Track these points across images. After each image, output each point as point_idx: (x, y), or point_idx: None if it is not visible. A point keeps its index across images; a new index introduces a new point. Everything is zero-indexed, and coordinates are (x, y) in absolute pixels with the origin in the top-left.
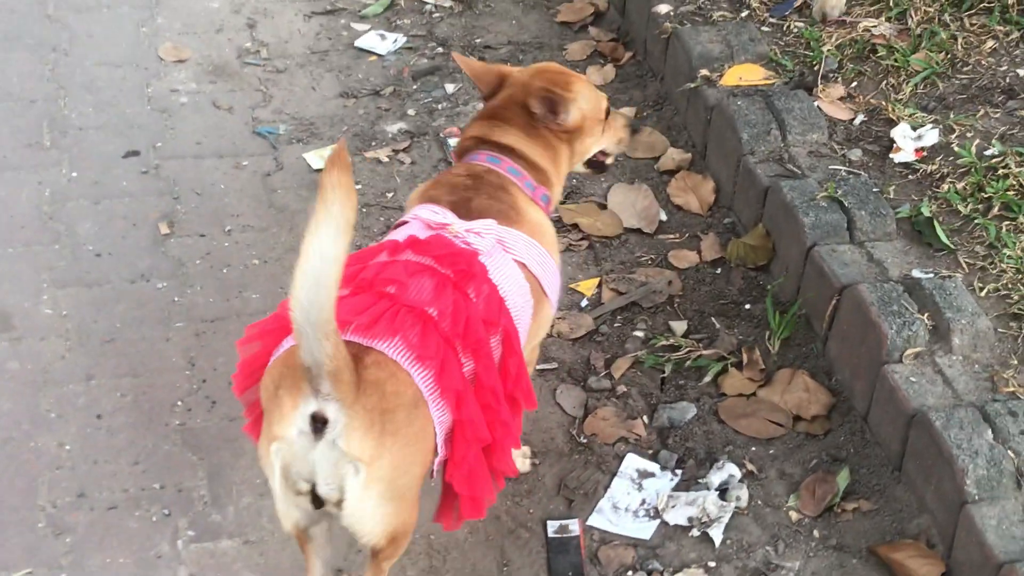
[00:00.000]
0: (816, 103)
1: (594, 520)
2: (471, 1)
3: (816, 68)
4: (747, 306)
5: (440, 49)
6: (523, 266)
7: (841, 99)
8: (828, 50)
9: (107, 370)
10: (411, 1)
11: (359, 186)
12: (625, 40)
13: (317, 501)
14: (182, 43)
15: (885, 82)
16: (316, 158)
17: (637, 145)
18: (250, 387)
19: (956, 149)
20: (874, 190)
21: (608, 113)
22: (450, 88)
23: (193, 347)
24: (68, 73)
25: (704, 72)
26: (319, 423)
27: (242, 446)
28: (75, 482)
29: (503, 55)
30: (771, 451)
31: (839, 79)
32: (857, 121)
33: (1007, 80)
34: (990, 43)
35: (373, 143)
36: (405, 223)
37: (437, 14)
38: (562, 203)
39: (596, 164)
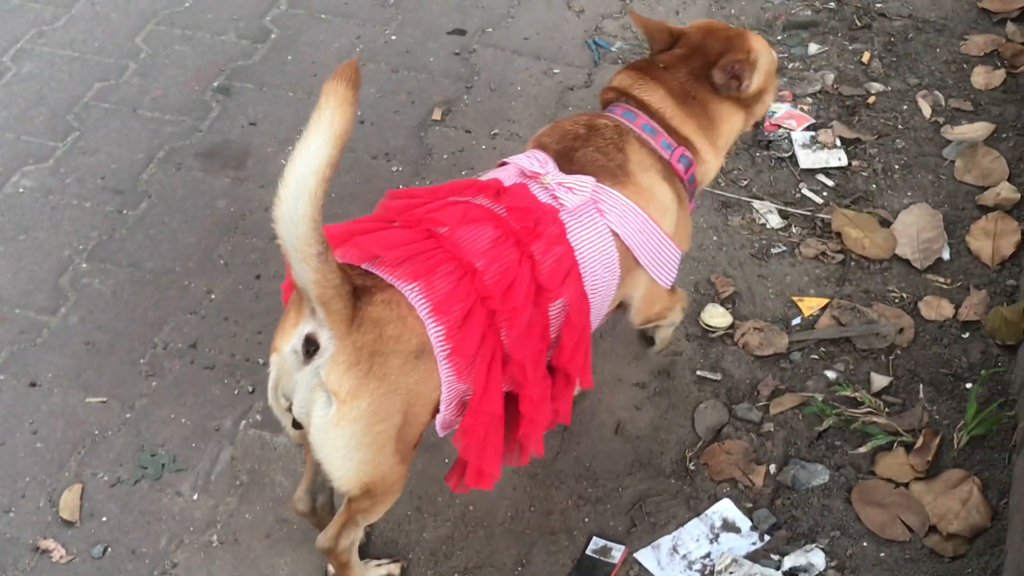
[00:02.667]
0: None
1: (642, 556)
2: None
3: None
4: (967, 384)
5: (832, 4)
6: (615, 235)
7: None
8: None
9: None
10: None
11: None
12: None
13: (296, 423)
14: None
15: None
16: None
17: (971, 167)
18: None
19: None
20: None
21: None
22: (813, 48)
23: None
24: None
25: None
26: (312, 346)
27: None
28: (196, 331)
29: (894, 28)
30: (881, 554)
31: None
32: None
33: None
34: None
35: None
36: (504, 164)
37: None
38: (846, 206)
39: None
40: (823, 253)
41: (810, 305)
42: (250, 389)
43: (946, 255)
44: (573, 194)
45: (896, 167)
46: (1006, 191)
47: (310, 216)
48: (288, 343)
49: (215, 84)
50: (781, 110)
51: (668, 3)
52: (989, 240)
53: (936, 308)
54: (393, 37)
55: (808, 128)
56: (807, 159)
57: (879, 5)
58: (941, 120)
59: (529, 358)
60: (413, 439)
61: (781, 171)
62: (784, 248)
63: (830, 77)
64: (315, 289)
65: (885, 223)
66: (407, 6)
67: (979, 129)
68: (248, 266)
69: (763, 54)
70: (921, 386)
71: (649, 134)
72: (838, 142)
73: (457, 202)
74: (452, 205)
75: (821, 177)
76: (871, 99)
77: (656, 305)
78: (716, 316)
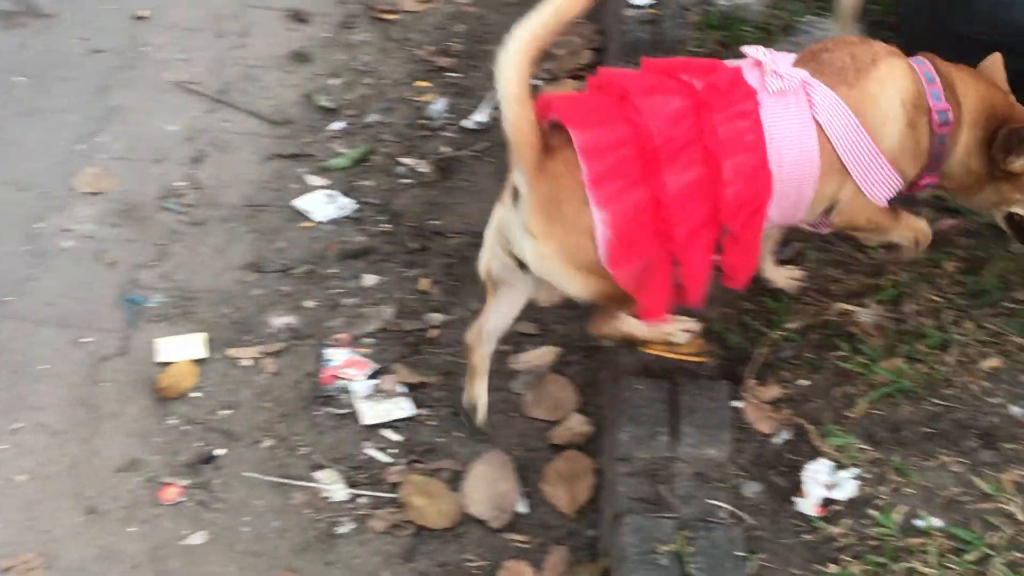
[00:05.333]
0: (739, 403)
1: None
2: (449, 171)
3: (758, 353)
4: None
5: (387, 226)
6: (820, 128)
7: (775, 402)
8: (789, 330)
9: None
10: (386, 159)
11: (199, 393)
12: None
13: (523, 265)
14: (111, 170)
15: (840, 389)
16: (169, 348)
17: (541, 400)
18: None
19: (874, 513)
20: (736, 553)
21: None
22: (370, 280)
23: None
24: None
25: None
26: (517, 194)
27: None
28: None
29: (451, 247)
30: None
31: (785, 372)
32: (779, 439)
33: (992, 419)
34: (994, 360)
35: (246, 337)
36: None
37: (407, 180)
38: (415, 463)
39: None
40: (394, 525)
41: None
42: None
43: (523, 508)
44: (780, 80)
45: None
46: (577, 425)
47: (516, 62)
48: (508, 193)
49: None
50: (340, 357)
51: (213, 240)
52: (565, 485)
53: (516, 574)
54: None
55: (371, 376)
56: (370, 413)
57: (435, 222)
58: (507, 349)
59: (666, 212)
60: None
61: (344, 430)
62: (352, 525)
63: (389, 311)
64: (511, 132)
65: (457, 479)
66: None
67: (545, 355)
68: None
69: None
70: None
71: (927, 79)
72: (403, 388)
73: (662, 76)
74: (653, 76)
75: (387, 432)
76: (433, 333)
77: (861, 216)
78: None
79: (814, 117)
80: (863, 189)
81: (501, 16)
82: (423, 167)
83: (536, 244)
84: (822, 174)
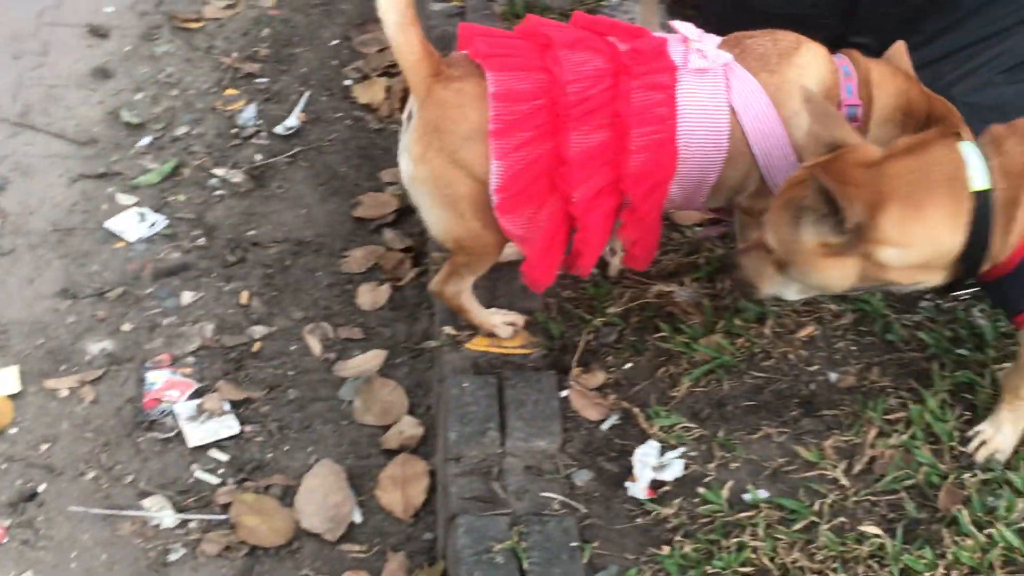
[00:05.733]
0: (566, 392)
1: None
2: (263, 179)
3: (584, 339)
4: None
5: (203, 241)
6: (733, 112)
7: (601, 388)
8: (610, 315)
9: None
10: (197, 172)
11: (16, 428)
12: (421, 251)
13: None
14: None
15: (663, 370)
16: None
17: (370, 405)
18: None
19: (702, 491)
20: (572, 544)
21: None
22: (187, 298)
23: None
24: None
25: (449, 330)
26: (410, 115)
27: None
28: None
29: (270, 257)
30: None
31: (609, 358)
32: (607, 424)
33: (811, 387)
34: (810, 328)
35: (63, 366)
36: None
37: (220, 191)
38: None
39: None
40: (228, 547)
41: None
42: None
43: (357, 517)
44: (703, 59)
45: (293, 423)
46: (408, 427)
47: None
48: (404, 112)
49: None
50: (160, 380)
51: (22, 269)
52: (399, 490)
53: None
54: None
55: (193, 395)
56: (196, 434)
57: (251, 233)
58: (333, 356)
59: (586, 169)
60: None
61: (170, 454)
62: (184, 551)
63: (210, 328)
64: (399, 57)
65: (289, 494)
66: None
67: (372, 359)
68: None
69: None
70: None
71: (844, 73)
72: (227, 406)
73: (588, 33)
74: (580, 31)
75: (215, 452)
76: (256, 346)
77: (762, 203)
78: None
79: (730, 101)
80: (767, 179)
81: (307, 17)
82: (236, 177)
83: (411, 166)
84: (729, 159)
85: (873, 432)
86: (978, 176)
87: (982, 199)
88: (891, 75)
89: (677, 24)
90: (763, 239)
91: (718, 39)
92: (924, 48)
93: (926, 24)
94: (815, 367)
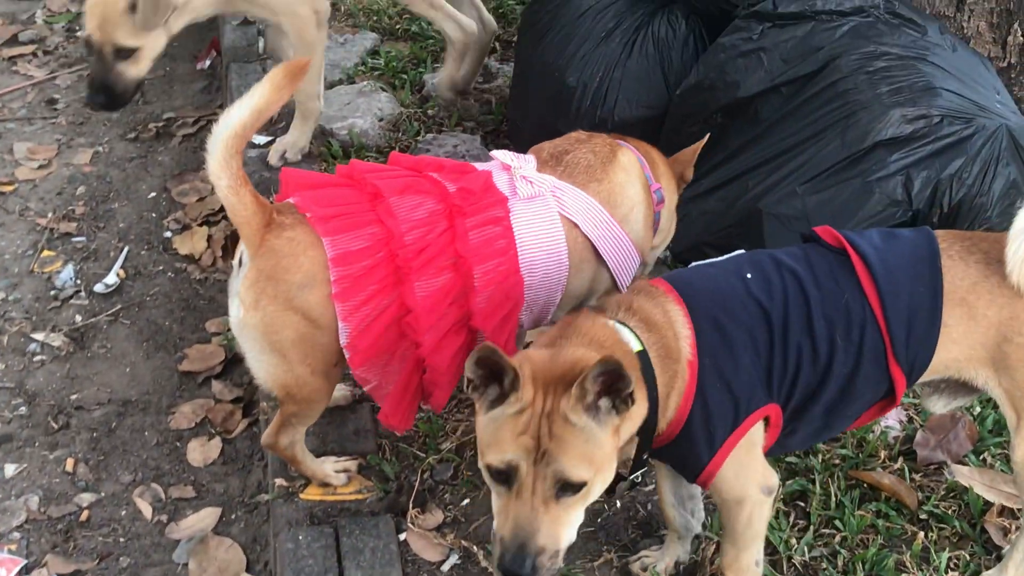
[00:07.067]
0: (404, 535)
1: None
2: (84, 340)
3: (419, 478)
4: None
5: (24, 409)
6: (575, 225)
7: (439, 528)
8: (445, 452)
9: None
10: (16, 338)
11: None
12: (251, 400)
13: None
14: None
15: None
16: None
17: (206, 566)
18: None
19: None
20: None
21: None
22: (10, 470)
23: None
24: None
25: (281, 481)
26: (241, 262)
27: None
28: None
29: (95, 420)
30: None
31: (447, 496)
32: (448, 565)
33: (648, 507)
34: None
35: None
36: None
37: (40, 357)
38: None
39: None
40: None
41: None
42: None
43: None
44: (531, 185)
45: None
46: None
47: (221, 159)
48: (237, 258)
49: None
50: None
51: None
52: None
53: None
54: None
55: (21, 572)
56: None
57: (75, 396)
58: (164, 518)
59: (433, 313)
60: (327, 358)
61: None
62: None
63: (35, 500)
64: (231, 215)
65: None
66: None
67: (205, 517)
68: None
69: None
70: None
71: (640, 162)
72: None
73: (415, 175)
74: (406, 176)
75: None
76: (85, 514)
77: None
78: None
79: (568, 217)
80: (616, 278)
81: (123, 172)
82: (56, 341)
83: (243, 312)
84: (572, 269)
85: (712, 548)
86: (631, 340)
87: (643, 359)
88: (654, 151)
89: (496, 152)
90: None
91: (534, 159)
92: (731, 162)
93: (730, 139)
94: (650, 487)
